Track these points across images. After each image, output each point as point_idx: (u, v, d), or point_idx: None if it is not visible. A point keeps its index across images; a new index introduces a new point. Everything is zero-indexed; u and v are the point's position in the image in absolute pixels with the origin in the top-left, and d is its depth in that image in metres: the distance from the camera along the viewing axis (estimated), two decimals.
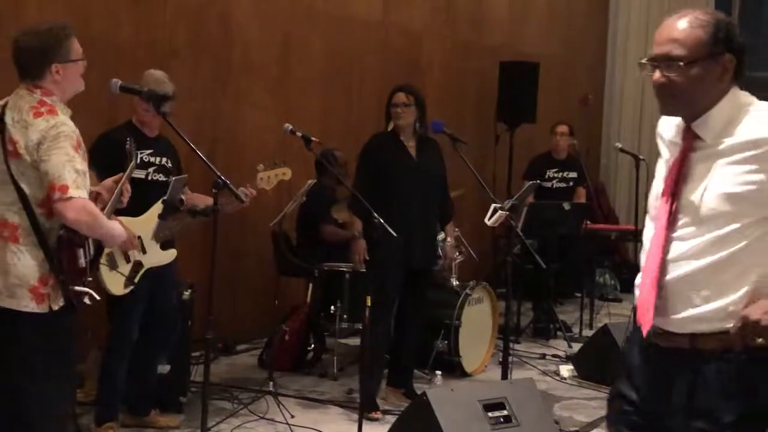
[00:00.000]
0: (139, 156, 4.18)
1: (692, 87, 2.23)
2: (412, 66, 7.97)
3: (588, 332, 7.02)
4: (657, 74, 2.26)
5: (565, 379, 5.93)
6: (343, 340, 5.97)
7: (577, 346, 6.48)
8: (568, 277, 7.87)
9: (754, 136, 2.16)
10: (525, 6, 9.54)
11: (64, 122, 3.02)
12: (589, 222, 7.48)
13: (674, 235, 2.27)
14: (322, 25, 7.09)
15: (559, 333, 7.11)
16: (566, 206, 6.83)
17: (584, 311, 7.42)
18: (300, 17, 6.89)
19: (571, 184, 7.61)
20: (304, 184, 5.89)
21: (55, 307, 3.05)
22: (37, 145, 2.97)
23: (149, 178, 4.36)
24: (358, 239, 5.11)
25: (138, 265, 4.21)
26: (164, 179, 4.38)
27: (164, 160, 4.47)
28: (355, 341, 5.94)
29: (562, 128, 7.64)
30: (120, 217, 4.06)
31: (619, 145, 5.87)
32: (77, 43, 3.17)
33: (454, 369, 5.80)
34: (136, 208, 4.17)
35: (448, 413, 4.00)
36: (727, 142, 2.21)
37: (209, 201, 4.28)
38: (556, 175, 7.60)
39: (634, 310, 2.48)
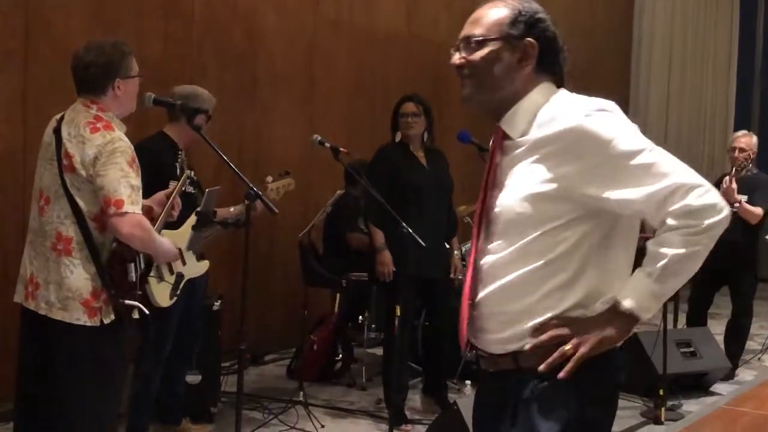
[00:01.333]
0: (177, 168, 4.26)
1: (486, 66, 2.08)
2: (437, 76, 7.99)
3: None
4: (455, 57, 2.13)
5: None
6: (371, 350, 5.99)
7: None
8: None
9: (555, 130, 1.98)
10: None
11: (120, 138, 3.07)
12: None
13: (487, 247, 2.08)
14: (346, 37, 7.14)
15: None
16: None
17: None
18: (324, 29, 6.94)
19: None
20: (330, 194, 5.95)
21: (106, 321, 3.09)
22: (93, 160, 3.02)
23: (184, 190, 4.39)
24: (383, 251, 5.08)
25: (180, 276, 4.28)
26: (194, 191, 4.43)
27: (192, 172, 4.51)
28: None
29: None
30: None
31: None
32: (135, 61, 3.23)
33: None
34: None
35: None
36: (531, 138, 2.03)
37: (228, 213, 4.35)
38: None
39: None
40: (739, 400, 5.71)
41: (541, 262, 1.99)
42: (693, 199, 1.91)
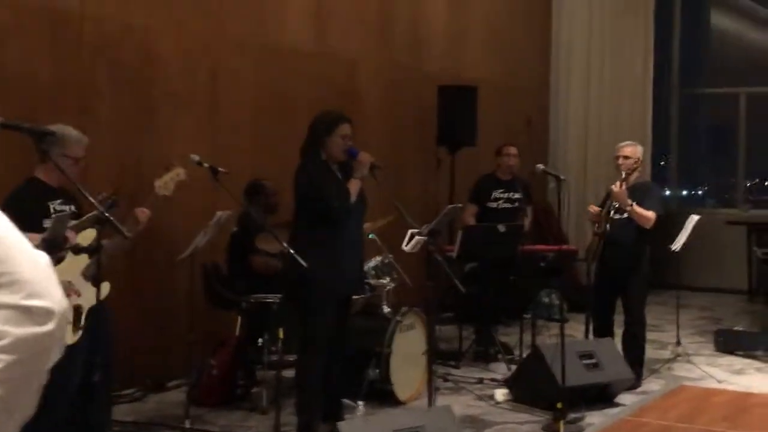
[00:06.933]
0: (51, 207, 4.22)
1: None
2: (348, 93, 7.95)
3: None
4: None
5: (498, 403, 5.87)
6: (272, 372, 5.88)
7: None
8: (510, 300, 7.79)
9: None
10: (463, 29, 9.55)
11: None
12: (530, 243, 7.49)
13: None
14: (251, 56, 7.06)
15: (499, 356, 7.06)
16: (501, 228, 6.80)
17: (528, 333, 7.39)
18: (227, 48, 6.85)
19: (516, 204, 7.56)
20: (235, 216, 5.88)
21: None
22: None
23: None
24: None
25: (78, 308, 4.19)
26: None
27: (72, 207, 4.42)
28: (288, 373, 5.86)
29: (513, 150, 7.57)
30: None
31: (541, 167, 5.85)
32: None
33: (387, 397, 5.74)
34: None
35: None
36: None
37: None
38: (501, 195, 7.54)
39: None
40: (641, 411, 5.71)
41: None
42: (22, 300, 1.36)
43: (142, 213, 4.46)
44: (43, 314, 1.35)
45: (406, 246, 4.98)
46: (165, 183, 4.53)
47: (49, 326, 1.34)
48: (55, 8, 5.64)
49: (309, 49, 7.62)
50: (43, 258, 1.41)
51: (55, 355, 1.40)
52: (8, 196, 4.29)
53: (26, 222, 3.93)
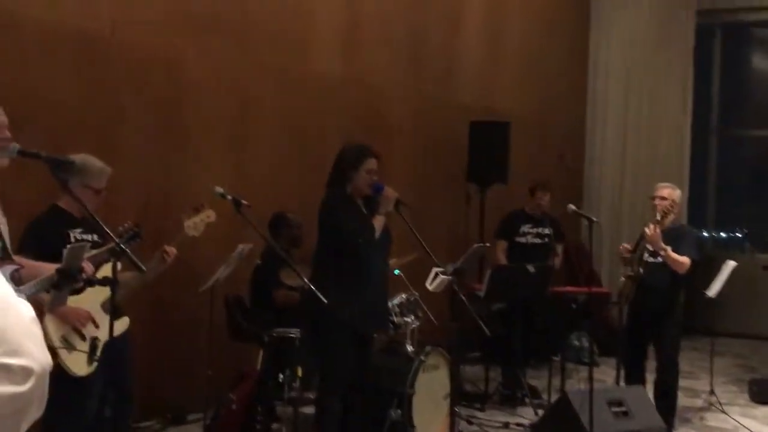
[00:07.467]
0: (71, 235, 4.16)
1: None
2: (377, 124, 7.85)
3: None
4: None
5: None
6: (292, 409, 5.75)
7: None
8: (539, 342, 7.61)
9: None
10: (496, 62, 9.46)
11: None
12: (561, 281, 7.32)
13: None
14: (279, 83, 6.99)
15: (527, 400, 6.87)
16: (530, 269, 6.64)
17: (557, 376, 7.20)
18: (255, 75, 6.79)
19: (546, 240, 7.41)
20: (260, 246, 5.78)
21: None
22: None
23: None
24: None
25: (95, 340, 4.11)
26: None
27: (95, 236, 4.36)
28: (309, 410, 5.74)
29: (547, 196, 7.41)
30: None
31: (573, 207, 5.68)
32: None
33: None
34: None
35: None
36: None
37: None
38: (530, 230, 7.40)
39: None
40: None
41: None
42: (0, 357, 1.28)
43: (171, 253, 4.38)
44: (21, 373, 1.27)
45: (430, 285, 4.86)
46: (195, 224, 4.48)
47: (27, 386, 1.27)
48: (84, 32, 5.61)
49: (338, 78, 7.54)
50: (28, 312, 1.34)
51: (34, 415, 1.31)
52: (30, 223, 4.23)
53: (46, 250, 3.89)
